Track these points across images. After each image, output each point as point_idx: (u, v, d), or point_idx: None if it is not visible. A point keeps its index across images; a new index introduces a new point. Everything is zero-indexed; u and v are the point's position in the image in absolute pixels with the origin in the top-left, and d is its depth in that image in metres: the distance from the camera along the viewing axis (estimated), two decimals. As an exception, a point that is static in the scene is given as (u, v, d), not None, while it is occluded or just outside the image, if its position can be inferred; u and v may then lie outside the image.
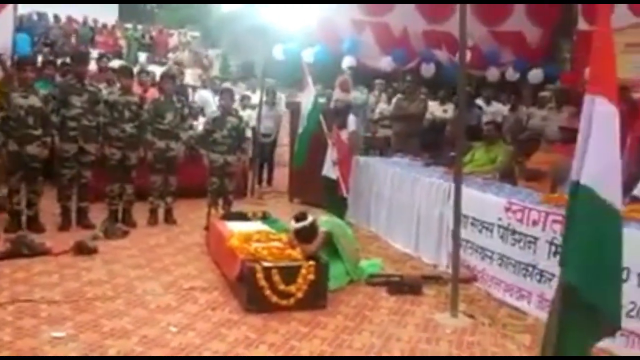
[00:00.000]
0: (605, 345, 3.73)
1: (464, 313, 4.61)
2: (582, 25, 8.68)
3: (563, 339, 2.32)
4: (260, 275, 4.43)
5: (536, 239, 4.72)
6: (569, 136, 6.62)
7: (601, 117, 2.25)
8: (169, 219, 7.01)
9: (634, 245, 3.59)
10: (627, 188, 4.99)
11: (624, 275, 3.83)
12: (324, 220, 5.31)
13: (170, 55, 18.06)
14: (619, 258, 2.29)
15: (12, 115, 6.02)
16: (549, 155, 6.32)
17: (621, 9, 7.93)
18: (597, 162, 2.25)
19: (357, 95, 9.46)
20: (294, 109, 8.91)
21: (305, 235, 4.94)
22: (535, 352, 3.84)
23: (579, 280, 2.27)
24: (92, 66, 9.51)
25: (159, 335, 4.02)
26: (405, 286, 5.08)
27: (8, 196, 6.21)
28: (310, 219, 5.03)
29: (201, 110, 9.89)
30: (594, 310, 2.31)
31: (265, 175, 9.83)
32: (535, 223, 4.74)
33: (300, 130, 7.85)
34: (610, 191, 2.24)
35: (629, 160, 6.06)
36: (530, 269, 4.77)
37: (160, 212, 7.05)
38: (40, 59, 10.08)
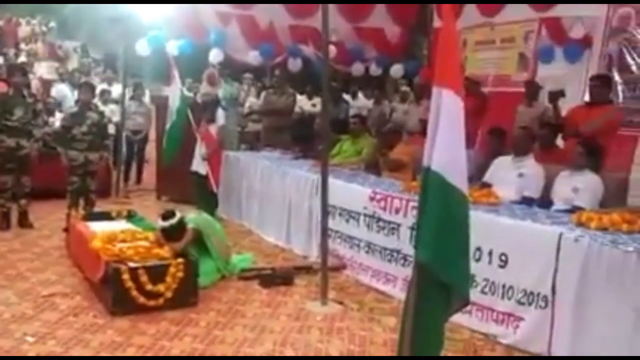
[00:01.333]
0: (462, 320, 4.04)
1: (334, 300, 4.75)
2: (438, 23, 9.21)
3: (419, 314, 2.48)
4: (126, 276, 4.25)
5: (399, 225, 4.97)
6: (426, 128, 7.07)
7: (448, 108, 2.42)
8: (24, 222, 6.51)
9: (484, 227, 3.92)
10: (478, 176, 5.43)
11: (477, 255, 4.17)
12: (192, 217, 5.21)
13: (22, 46, 16.73)
14: (467, 237, 2.48)
15: None
16: (409, 146, 6.67)
17: (471, 8, 8.53)
18: (445, 150, 2.41)
19: (227, 88, 9.37)
20: (160, 104, 8.65)
21: (173, 232, 4.82)
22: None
23: (432, 259, 2.44)
24: None
25: (14, 346, 3.74)
26: (277, 278, 5.13)
27: None
28: (177, 216, 4.92)
29: (59, 106, 9.29)
30: (445, 287, 2.49)
31: (133, 174, 9.44)
32: (397, 211, 4.99)
33: (168, 125, 7.65)
34: (457, 177, 2.42)
35: (479, 150, 6.58)
36: (395, 254, 5.02)
37: (14, 216, 6.52)
38: None
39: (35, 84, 10.02)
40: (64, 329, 4.04)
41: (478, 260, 4.16)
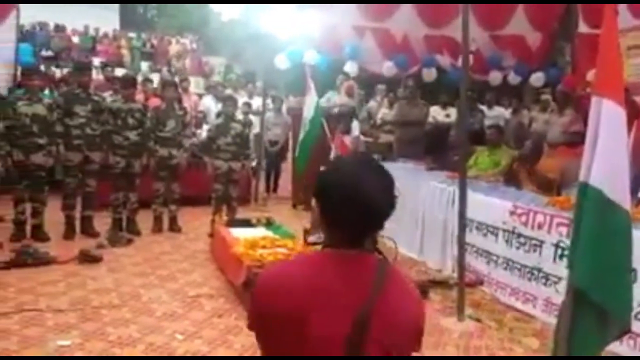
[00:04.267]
0: (611, 347, 3.73)
1: (471, 317, 4.60)
2: (583, 28, 8.66)
3: (573, 342, 2.31)
4: (266, 281, 4.41)
5: (541, 242, 4.72)
6: (571, 139, 6.64)
7: (608, 119, 2.25)
8: (174, 226, 7.01)
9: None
10: (632, 190, 5.00)
11: (633, 277, 3.84)
12: None
13: (173, 63, 18.11)
14: (628, 259, 2.28)
15: (17, 124, 6.04)
16: (554, 160, 6.32)
17: (622, 10, 7.92)
18: (605, 164, 2.24)
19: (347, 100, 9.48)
20: (296, 115, 8.92)
21: None
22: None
23: (588, 283, 2.27)
24: (98, 75, 9.55)
25: (166, 343, 4.01)
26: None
27: (13, 205, 6.22)
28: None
29: (204, 117, 9.91)
30: (603, 313, 2.30)
31: (271, 183, 9.76)
32: (540, 226, 4.74)
33: (301, 135, 7.85)
34: (619, 192, 2.23)
35: (632, 162, 6.07)
36: (535, 272, 4.77)
37: (165, 220, 7.04)
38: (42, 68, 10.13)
39: (193, 99, 10.78)
40: (209, 329, 4.28)
41: (634, 282, 3.82)
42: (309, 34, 8.98)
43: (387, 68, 9.32)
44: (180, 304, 4.74)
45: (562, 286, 4.41)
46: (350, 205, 1.37)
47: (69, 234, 6.45)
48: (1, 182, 6.17)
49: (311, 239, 1.98)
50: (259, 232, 5.78)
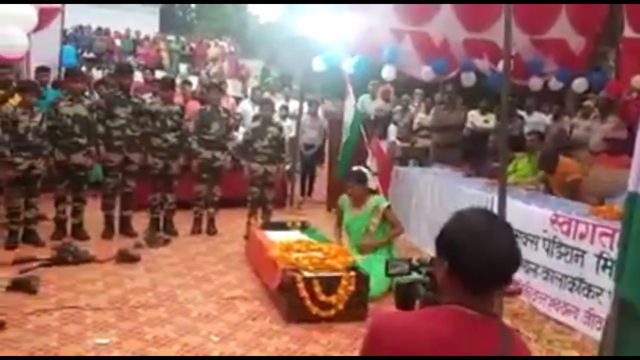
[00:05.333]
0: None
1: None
2: (628, 32, 8.42)
3: (620, 356, 2.23)
4: (301, 285, 4.42)
5: (584, 252, 4.59)
6: (614, 147, 6.46)
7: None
8: (211, 228, 7.04)
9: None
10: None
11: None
12: None
13: (210, 66, 18.33)
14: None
15: (59, 124, 6.18)
16: (592, 166, 6.16)
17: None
18: (657, 174, 2.16)
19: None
20: (333, 119, 8.91)
21: None
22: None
23: (637, 296, 2.18)
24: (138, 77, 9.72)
25: (201, 344, 4.04)
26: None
27: (54, 204, 6.37)
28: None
29: (240, 120, 9.98)
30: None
31: (306, 186, 9.74)
32: (582, 236, 4.61)
33: (343, 140, 7.84)
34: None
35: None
36: (577, 283, 4.64)
37: (204, 222, 7.08)
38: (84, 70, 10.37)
39: (230, 101, 10.88)
40: (243, 331, 4.29)
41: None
42: (346, 37, 8.96)
43: (426, 73, 9.23)
44: (216, 305, 4.77)
45: (605, 298, 4.29)
46: (482, 262, 1.37)
47: (107, 233, 6.57)
48: (43, 182, 6.31)
49: (393, 270, 1.94)
50: (294, 235, 5.78)
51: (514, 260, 1.41)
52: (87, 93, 7.70)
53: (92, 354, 3.80)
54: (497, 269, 1.39)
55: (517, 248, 1.42)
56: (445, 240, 1.45)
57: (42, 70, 7.65)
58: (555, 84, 9.90)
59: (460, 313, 1.39)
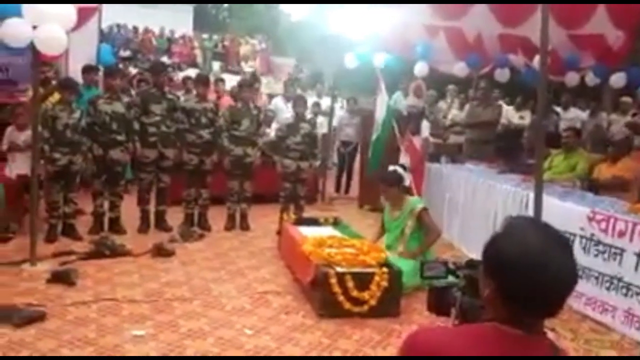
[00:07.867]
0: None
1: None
2: (669, 26, 8.21)
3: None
4: (334, 280, 4.43)
5: (622, 250, 4.50)
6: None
7: None
8: (244, 224, 7.10)
9: None
10: None
11: None
12: None
13: (243, 64, 18.48)
14: None
15: (97, 121, 6.32)
16: (634, 162, 6.01)
17: None
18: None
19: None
20: (366, 116, 8.89)
21: None
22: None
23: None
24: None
25: (234, 337, 4.09)
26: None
27: (92, 199, 6.51)
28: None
29: (273, 117, 10.03)
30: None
31: (343, 183, 9.63)
32: (621, 234, 4.52)
33: (374, 137, 7.81)
34: None
35: None
36: (615, 281, 4.55)
37: (237, 218, 7.13)
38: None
39: (263, 98, 10.92)
40: (276, 325, 4.33)
41: None
42: (378, 33, 8.92)
43: (459, 68, 9.15)
44: (249, 299, 4.81)
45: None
46: (534, 290, 1.24)
47: (143, 227, 6.69)
48: (81, 177, 6.45)
49: (428, 273, 1.91)
50: (326, 231, 5.80)
51: (570, 283, 1.28)
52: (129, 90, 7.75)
53: (128, 345, 3.88)
54: (551, 297, 1.27)
55: (574, 268, 1.30)
56: (493, 259, 1.31)
57: (91, 69, 7.53)
58: (592, 80, 9.67)
59: (501, 332, 1.28)
